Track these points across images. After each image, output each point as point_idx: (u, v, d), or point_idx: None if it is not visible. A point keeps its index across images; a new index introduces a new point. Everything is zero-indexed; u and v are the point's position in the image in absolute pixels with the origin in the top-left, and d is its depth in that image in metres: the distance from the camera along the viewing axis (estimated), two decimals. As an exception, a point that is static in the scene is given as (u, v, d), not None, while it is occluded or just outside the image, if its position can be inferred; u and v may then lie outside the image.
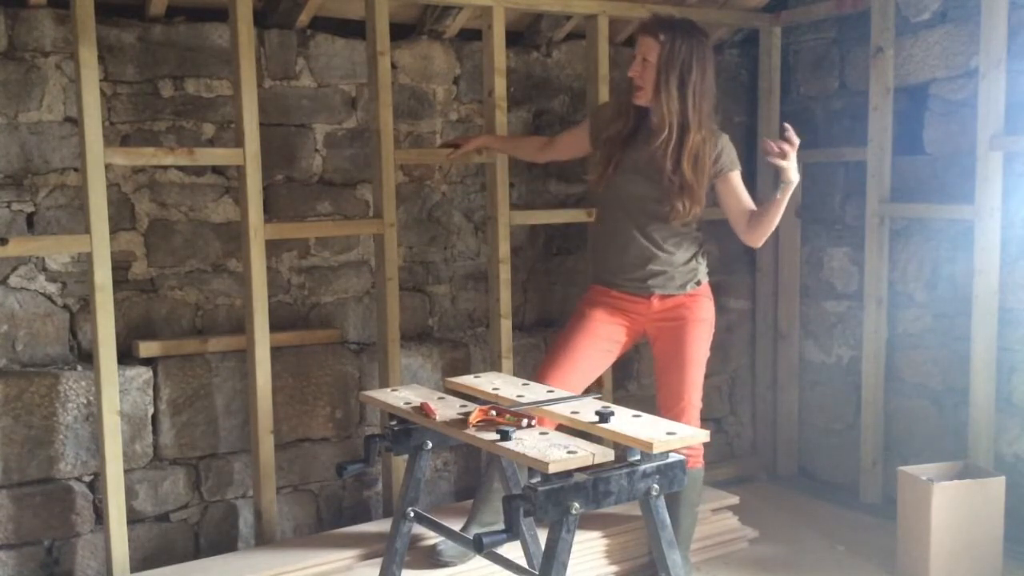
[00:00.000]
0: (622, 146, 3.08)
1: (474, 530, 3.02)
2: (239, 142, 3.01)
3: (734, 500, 3.58)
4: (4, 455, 2.92)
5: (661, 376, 3.11)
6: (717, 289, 4.10)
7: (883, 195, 3.76)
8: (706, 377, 3.12)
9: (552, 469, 2.04)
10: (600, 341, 3.11)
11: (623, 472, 2.15)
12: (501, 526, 2.07)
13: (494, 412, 2.35)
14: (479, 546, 2.08)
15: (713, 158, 3.01)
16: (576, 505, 2.07)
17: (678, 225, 3.03)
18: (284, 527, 3.34)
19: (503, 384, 2.69)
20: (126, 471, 2.98)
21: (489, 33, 3.39)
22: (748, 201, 3.06)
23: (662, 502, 2.22)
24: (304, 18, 3.36)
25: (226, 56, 3.24)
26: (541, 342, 3.82)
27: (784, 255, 4.24)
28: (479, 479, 3.70)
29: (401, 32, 3.55)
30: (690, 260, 3.09)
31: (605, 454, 2.10)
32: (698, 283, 3.10)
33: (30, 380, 2.96)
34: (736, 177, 3.06)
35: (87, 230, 2.79)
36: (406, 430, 2.57)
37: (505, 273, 3.47)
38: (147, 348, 3.14)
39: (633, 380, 4.04)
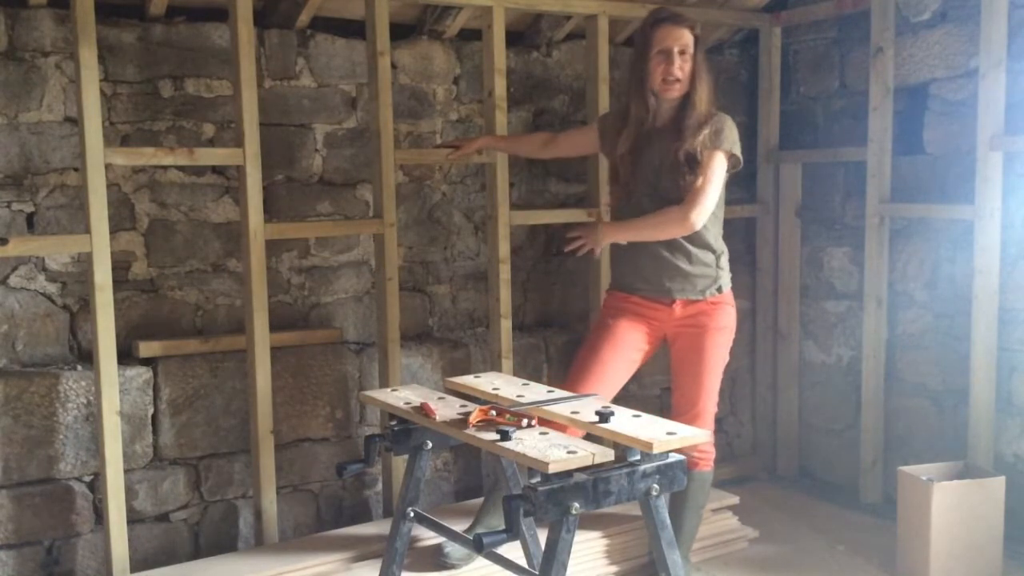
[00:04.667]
0: (638, 152, 3.00)
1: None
2: (239, 142, 3.01)
3: (734, 500, 3.57)
4: (4, 455, 2.92)
5: (677, 380, 3.08)
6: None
7: (883, 195, 3.76)
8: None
9: (552, 469, 2.04)
10: (625, 350, 3.04)
11: (623, 472, 2.15)
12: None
13: (494, 412, 2.35)
14: (479, 546, 2.08)
15: (721, 132, 2.96)
16: (576, 505, 2.07)
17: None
18: (284, 527, 3.34)
19: (503, 384, 2.69)
20: (126, 471, 2.98)
21: (489, 33, 3.39)
22: (705, 183, 2.88)
23: (662, 502, 2.22)
24: (304, 18, 3.36)
25: (226, 56, 3.24)
26: (541, 342, 3.82)
27: (784, 255, 4.25)
28: (479, 479, 3.70)
29: (401, 32, 3.55)
30: (711, 265, 3.02)
31: (605, 454, 2.10)
32: (719, 289, 3.03)
33: (30, 380, 2.96)
34: (717, 157, 2.91)
35: (87, 230, 2.79)
36: (406, 430, 2.57)
37: (505, 273, 3.47)
38: (147, 348, 3.14)
39: (633, 380, 4.01)
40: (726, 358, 3.09)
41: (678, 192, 2.92)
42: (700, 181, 2.88)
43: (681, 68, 2.91)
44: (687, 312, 3.03)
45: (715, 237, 3.04)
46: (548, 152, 3.41)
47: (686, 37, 2.92)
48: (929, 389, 3.76)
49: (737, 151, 2.98)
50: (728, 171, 2.99)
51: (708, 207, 2.89)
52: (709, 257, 3.02)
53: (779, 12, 4.12)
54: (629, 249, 3.06)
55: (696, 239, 2.99)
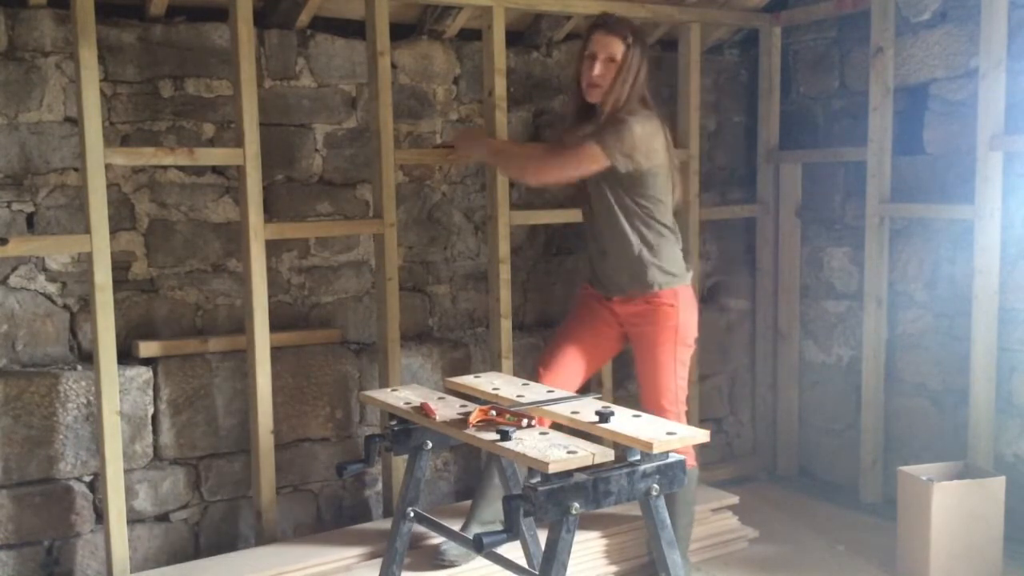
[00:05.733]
0: None
1: (474, 529, 3.02)
2: (239, 142, 3.01)
3: (734, 500, 3.58)
4: (4, 455, 2.92)
5: (639, 379, 3.14)
6: (717, 289, 4.11)
7: (883, 195, 3.76)
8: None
9: (552, 469, 2.04)
10: (588, 341, 3.14)
11: (623, 472, 2.15)
12: (500, 525, 2.07)
13: (494, 412, 2.35)
14: (479, 546, 2.08)
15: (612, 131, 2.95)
16: (576, 505, 2.07)
17: (626, 228, 2.99)
18: (284, 527, 3.34)
19: (503, 384, 2.69)
20: (126, 471, 2.98)
21: (489, 33, 3.39)
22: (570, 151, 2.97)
23: (662, 502, 2.22)
24: (304, 18, 3.36)
25: (226, 56, 3.24)
26: (541, 342, 3.82)
27: (784, 255, 4.24)
28: (479, 479, 3.70)
29: (401, 32, 3.55)
30: (639, 265, 3.00)
31: (605, 454, 2.10)
32: (651, 287, 3.00)
33: (30, 380, 2.96)
34: (585, 142, 2.93)
35: (87, 230, 2.79)
36: (406, 430, 2.57)
37: (505, 273, 3.47)
38: (147, 348, 3.14)
39: (633, 380, 4.01)
40: (680, 357, 3.06)
41: (606, 200, 2.99)
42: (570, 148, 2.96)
43: (602, 75, 2.96)
44: (628, 310, 3.08)
45: (641, 240, 3.01)
46: None
47: (614, 45, 2.96)
48: (929, 389, 3.76)
49: (618, 161, 2.92)
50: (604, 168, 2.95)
51: (558, 173, 3.00)
52: (634, 258, 3.01)
53: (779, 12, 4.12)
54: (586, 244, 3.18)
55: (621, 240, 3.01)
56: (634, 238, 3.01)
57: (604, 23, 3.01)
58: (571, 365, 3.11)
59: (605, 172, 2.94)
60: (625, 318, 3.10)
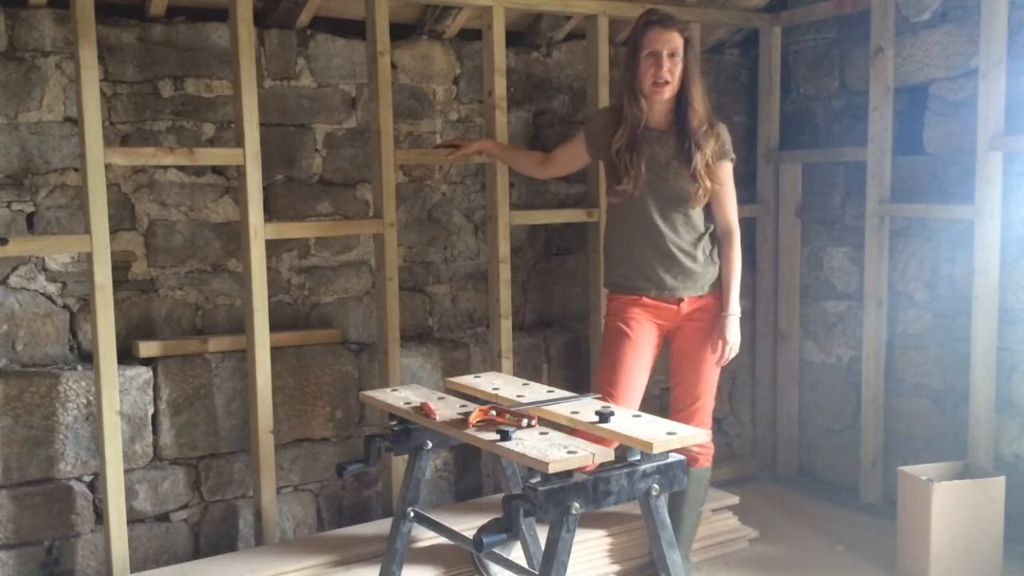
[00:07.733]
0: (638, 148, 2.99)
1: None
2: (239, 142, 3.01)
3: (734, 500, 3.58)
4: (4, 455, 2.92)
5: (678, 375, 3.09)
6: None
7: (883, 195, 3.76)
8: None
9: (552, 469, 2.04)
10: (645, 355, 3.04)
11: (623, 472, 2.15)
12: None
13: (494, 412, 2.35)
14: (479, 545, 2.08)
15: (726, 143, 3.05)
16: (576, 505, 2.07)
17: (699, 223, 3.02)
18: (284, 527, 3.34)
19: (503, 384, 2.70)
20: (126, 471, 2.98)
21: (489, 33, 3.39)
22: (731, 198, 3.08)
23: (662, 502, 2.22)
24: (304, 18, 3.36)
25: (226, 56, 3.24)
26: (541, 342, 3.82)
27: (784, 255, 4.25)
28: (479, 479, 3.70)
29: (401, 32, 3.55)
30: (708, 260, 3.06)
31: (605, 454, 2.11)
32: (715, 282, 3.07)
33: (30, 380, 2.96)
34: (728, 167, 3.07)
35: (87, 230, 2.80)
36: (406, 430, 2.57)
37: (505, 273, 3.47)
38: (147, 348, 3.14)
39: (633, 380, 4.03)
40: None
41: (684, 193, 2.97)
42: (726, 197, 3.06)
43: (670, 71, 2.92)
44: (692, 307, 3.05)
45: (710, 232, 3.08)
46: (546, 171, 3.40)
47: (675, 40, 2.93)
48: (929, 389, 3.76)
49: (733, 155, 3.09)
50: None
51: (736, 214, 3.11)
52: (707, 254, 3.06)
53: (779, 12, 4.12)
54: (635, 250, 3.04)
55: (699, 236, 3.03)
56: (704, 236, 3.05)
57: (659, 19, 2.94)
58: (635, 386, 3.01)
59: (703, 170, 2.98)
60: (688, 315, 3.04)
